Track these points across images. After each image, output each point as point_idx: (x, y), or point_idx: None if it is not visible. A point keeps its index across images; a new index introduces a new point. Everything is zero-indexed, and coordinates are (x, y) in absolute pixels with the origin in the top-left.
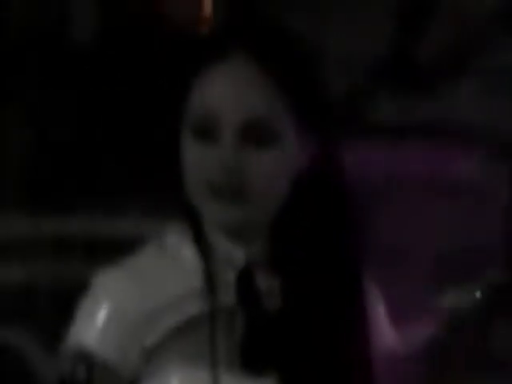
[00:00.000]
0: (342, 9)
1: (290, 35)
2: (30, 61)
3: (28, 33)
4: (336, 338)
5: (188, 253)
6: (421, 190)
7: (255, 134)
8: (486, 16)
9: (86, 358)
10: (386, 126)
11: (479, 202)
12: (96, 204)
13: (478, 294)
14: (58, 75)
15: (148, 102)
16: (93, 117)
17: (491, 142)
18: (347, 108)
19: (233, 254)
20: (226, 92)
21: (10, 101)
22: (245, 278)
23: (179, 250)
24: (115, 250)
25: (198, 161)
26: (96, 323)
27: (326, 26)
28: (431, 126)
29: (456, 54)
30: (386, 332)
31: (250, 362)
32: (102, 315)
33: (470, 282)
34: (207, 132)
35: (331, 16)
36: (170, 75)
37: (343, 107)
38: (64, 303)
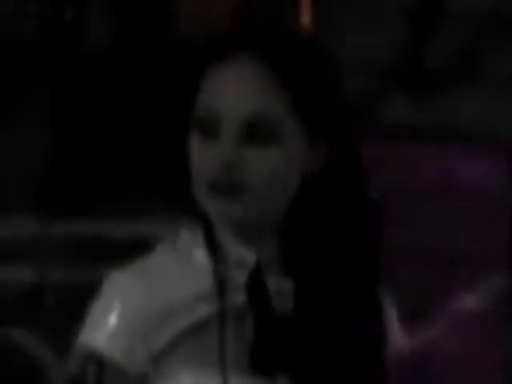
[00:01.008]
0: (355, 13)
1: (295, 35)
2: (43, 68)
3: (43, 41)
4: (348, 340)
5: (199, 255)
6: (432, 192)
7: (256, 131)
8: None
9: (95, 359)
10: (397, 127)
11: (490, 203)
12: (107, 206)
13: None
14: (71, 81)
15: (161, 104)
16: (105, 119)
17: (503, 144)
18: (359, 109)
19: (244, 256)
20: (227, 89)
21: (22, 104)
22: (255, 280)
23: (191, 252)
24: (126, 251)
25: (201, 158)
26: (106, 324)
27: (340, 28)
28: (443, 127)
29: (468, 57)
30: (397, 334)
31: (260, 364)
32: (112, 317)
33: (481, 284)
34: (210, 130)
35: (344, 19)
36: (182, 77)
37: (355, 108)
38: (74, 304)
